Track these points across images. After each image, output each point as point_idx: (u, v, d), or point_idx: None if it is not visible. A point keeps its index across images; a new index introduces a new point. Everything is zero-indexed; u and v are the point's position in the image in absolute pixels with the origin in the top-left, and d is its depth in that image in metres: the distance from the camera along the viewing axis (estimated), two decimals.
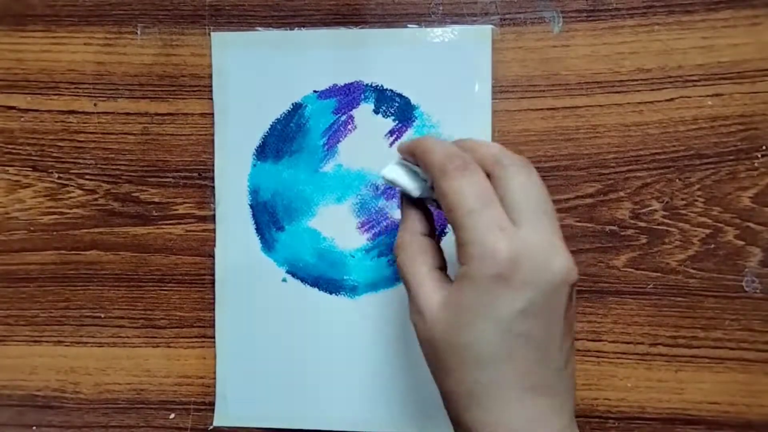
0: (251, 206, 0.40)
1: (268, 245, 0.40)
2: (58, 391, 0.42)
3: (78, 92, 0.41)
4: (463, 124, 0.39)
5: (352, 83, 0.40)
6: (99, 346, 0.42)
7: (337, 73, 0.40)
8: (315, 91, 0.40)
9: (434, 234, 0.30)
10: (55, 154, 0.41)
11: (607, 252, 0.39)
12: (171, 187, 0.41)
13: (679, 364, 0.39)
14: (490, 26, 0.39)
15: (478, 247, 0.25)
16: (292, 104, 0.40)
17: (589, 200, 0.39)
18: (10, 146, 0.42)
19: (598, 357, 0.39)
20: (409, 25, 0.39)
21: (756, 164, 0.38)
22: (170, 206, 0.41)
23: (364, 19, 0.40)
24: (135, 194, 0.41)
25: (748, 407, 0.38)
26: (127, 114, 0.41)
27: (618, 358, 0.39)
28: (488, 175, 0.27)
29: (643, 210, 0.39)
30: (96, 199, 0.41)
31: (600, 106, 0.39)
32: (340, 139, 0.40)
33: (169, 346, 0.41)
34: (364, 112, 0.40)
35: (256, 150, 0.40)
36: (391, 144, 0.40)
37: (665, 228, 0.38)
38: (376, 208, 0.40)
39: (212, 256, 0.41)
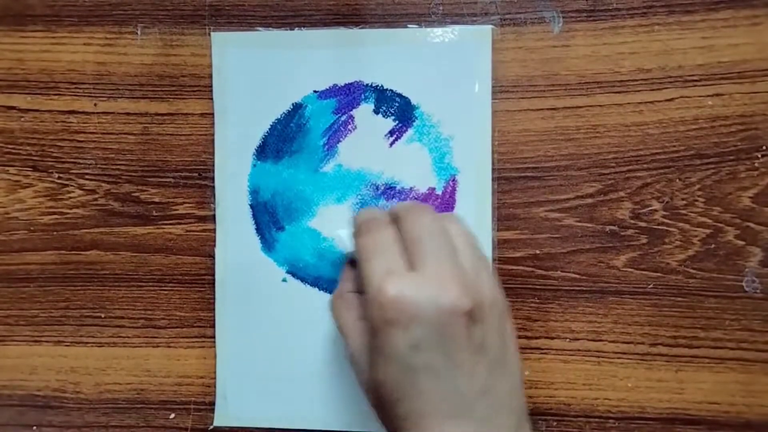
0: (251, 206, 0.40)
1: (268, 245, 0.40)
2: (58, 391, 0.42)
3: (78, 92, 0.41)
4: (463, 125, 0.39)
5: (352, 83, 0.40)
6: (99, 346, 0.42)
7: (337, 73, 0.40)
8: (315, 91, 0.40)
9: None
10: (55, 154, 0.41)
11: (608, 252, 0.39)
12: (171, 187, 0.41)
13: (679, 364, 0.39)
14: (490, 26, 0.39)
15: (369, 291, 0.28)
16: (293, 104, 0.40)
17: (589, 200, 0.39)
18: (10, 146, 0.42)
19: (598, 357, 0.39)
20: (409, 25, 0.39)
21: (756, 164, 0.38)
22: (170, 206, 0.41)
23: (364, 19, 0.40)
24: (135, 194, 0.41)
25: (748, 407, 0.38)
26: (128, 114, 0.41)
27: (618, 357, 0.39)
28: None
29: (644, 210, 0.39)
30: (96, 199, 0.41)
31: (600, 106, 0.39)
32: (341, 139, 0.40)
33: (170, 346, 0.41)
34: (364, 112, 0.40)
35: (257, 150, 0.40)
36: (391, 144, 0.40)
37: (665, 228, 0.39)
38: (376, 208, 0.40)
39: (212, 256, 0.41)
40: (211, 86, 0.40)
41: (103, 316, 0.41)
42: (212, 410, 0.41)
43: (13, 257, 0.42)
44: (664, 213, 0.38)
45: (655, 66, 0.38)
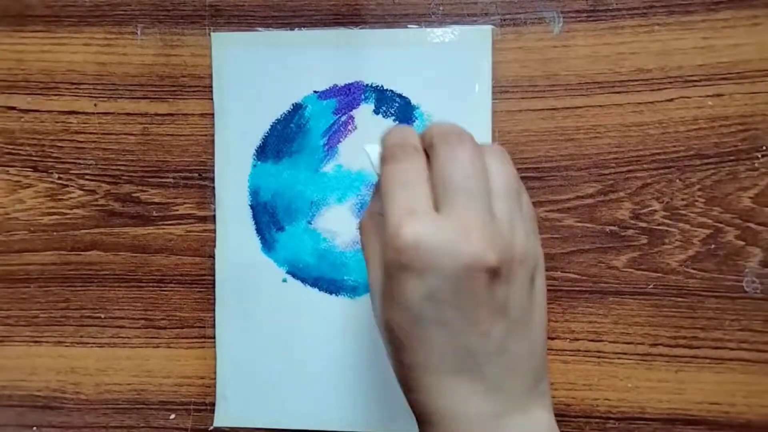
0: (251, 206, 0.40)
1: (268, 245, 0.40)
2: (58, 391, 0.42)
3: (78, 93, 0.41)
4: (463, 125, 0.39)
5: (352, 83, 0.40)
6: (99, 346, 0.42)
7: (337, 73, 0.40)
8: (315, 92, 0.40)
9: None
10: (55, 155, 0.41)
11: (608, 252, 0.39)
12: (171, 187, 0.41)
13: (679, 364, 0.39)
14: (491, 26, 0.39)
15: (387, 231, 0.25)
16: (293, 105, 0.40)
17: (589, 200, 0.39)
18: (10, 147, 0.42)
19: (598, 357, 0.39)
20: (409, 26, 0.39)
21: (756, 164, 0.38)
22: (170, 207, 0.41)
23: (364, 19, 0.40)
24: (135, 195, 0.41)
25: (748, 407, 0.38)
26: (128, 114, 0.41)
27: (618, 358, 0.39)
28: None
29: (644, 210, 0.39)
30: (96, 200, 0.41)
31: (600, 106, 0.39)
32: (341, 139, 0.40)
33: (170, 347, 0.41)
34: (364, 112, 0.40)
35: (257, 150, 0.40)
36: None
37: (665, 228, 0.39)
38: None
39: (212, 256, 0.41)
40: (211, 86, 0.40)
41: (103, 316, 0.41)
42: (212, 411, 0.41)
43: (14, 258, 0.42)
44: (664, 213, 0.38)
45: (655, 66, 0.38)
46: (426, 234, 0.24)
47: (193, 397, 0.41)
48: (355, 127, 0.40)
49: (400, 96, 0.39)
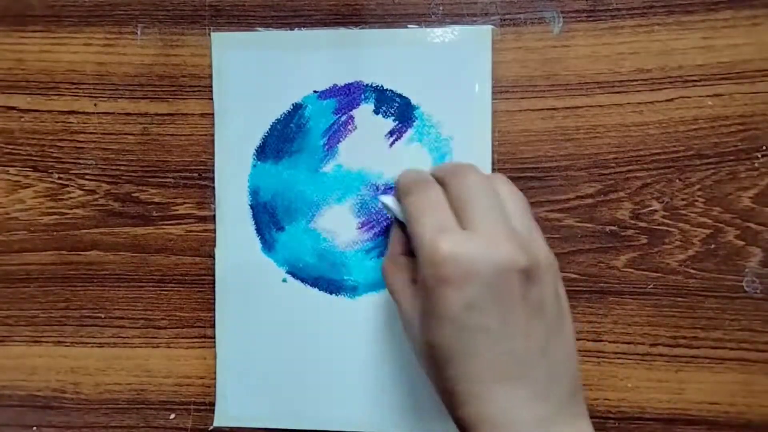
0: (251, 206, 0.40)
1: (268, 245, 0.40)
2: (58, 391, 0.42)
3: (78, 92, 0.41)
4: (463, 125, 0.39)
5: (352, 83, 0.40)
6: (99, 346, 0.42)
7: (337, 73, 0.40)
8: (315, 92, 0.40)
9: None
10: (55, 155, 0.41)
11: (608, 252, 0.39)
12: (171, 187, 0.41)
13: (679, 364, 0.39)
14: (490, 26, 0.39)
15: (421, 250, 0.27)
16: (292, 104, 0.40)
17: (589, 200, 0.39)
18: (10, 146, 0.42)
19: (598, 357, 0.39)
20: (409, 26, 0.39)
21: (756, 164, 0.38)
22: (170, 206, 0.41)
23: (364, 19, 0.40)
24: (135, 194, 0.41)
25: (748, 407, 0.38)
26: (127, 114, 0.41)
27: (618, 358, 0.39)
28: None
29: (644, 210, 0.39)
30: (96, 200, 0.41)
31: (600, 106, 0.39)
32: (341, 139, 0.40)
33: (170, 347, 0.41)
34: (364, 112, 0.40)
35: (257, 150, 0.40)
36: (391, 144, 0.40)
37: (665, 228, 0.39)
38: (377, 209, 0.40)
39: (212, 256, 0.41)
40: (211, 86, 0.40)
41: (103, 316, 0.41)
42: (212, 410, 0.41)
43: (13, 257, 0.42)
44: (664, 213, 0.38)
45: (655, 66, 0.38)
46: (461, 246, 0.26)
47: (193, 397, 0.41)
48: (355, 127, 0.40)
49: (400, 96, 0.39)
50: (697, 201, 0.38)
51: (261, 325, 0.40)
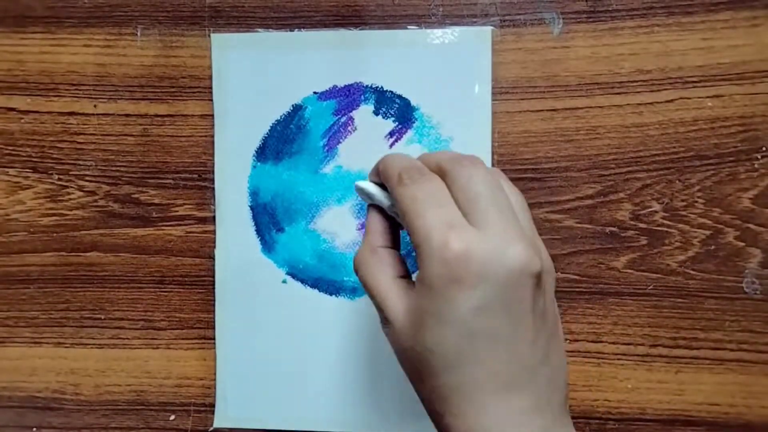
0: (251, 208, 0.40)
1: (268, 246, 0.40)
2: (58, 392, 0.42)
3: (78, 94, 0.41)
4: (463, 126, 0.39)
5: (352, 84, 0.40)
6: (99, 347, 0.42)
7: (337, 74, 0.40)
8: (315, 93, 0.40)
9: (397, 246, 0.30)
10: (55, 156, 0.41)
11: (607, 253, 0.39)
12: (171, 188, 0.41)
13: (679, 365, 0.39)
14: (490, 27, 0.39)
15: (427, 247, 0.24)
16: (292, 105, 0.40)
17: (589, 201, 0.39)
18: (10, 148, 0.42)
19: (598, 358, 0.39)
20: (408, 27, 0.39)
21: (756, 165, 0.38)
22: (170, 207, 0.41)
23: (363, 20, 0.40)
24: (135, 196, 0.41)
25: (748, 408, 0.38)
26: (127, 115, 0.41)
27: (618, 359, 0.39)
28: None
29: (643, 211, 0.39)
30: (96, 201, 0.41)
31: (600, 107, 0.39)
32: (340, 140, 0.40)
33: (169, 348, 0.41)
34: (364, 113, 0.40)
35: (256, 151, 0.40)
36: (391, 145, 0.40)
37: (665, 229, 0.38)
38: None
39: (212, 257, 0.41)
40: (210, 88, 0.40)
41: (103, 317, 0.41)
42: (212, 412, 0.41)
43: (13, 259, 0.42)
44: (664, 214, 0.38)
45: (655, 67, 0.38)
46: (474, 245, 0.24)
47: (193, 398, 0.41)
48: (355, 128, 0.40)
49: (399, 97, 0.39)
50: (696, 202, 0.38)
51: (261, 326, 0.40)
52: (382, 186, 0.29)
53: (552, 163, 0.39)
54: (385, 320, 0.27)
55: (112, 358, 0.41)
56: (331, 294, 0.40)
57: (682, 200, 0.38)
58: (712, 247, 0.38)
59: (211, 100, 0.40)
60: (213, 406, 0.41)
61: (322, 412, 0.40)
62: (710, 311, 0.38)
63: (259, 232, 0.40)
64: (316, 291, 0.40)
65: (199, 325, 0.41)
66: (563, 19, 0.39)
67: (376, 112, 0.40)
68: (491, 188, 0.25)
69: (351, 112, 0.40)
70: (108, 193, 0.41)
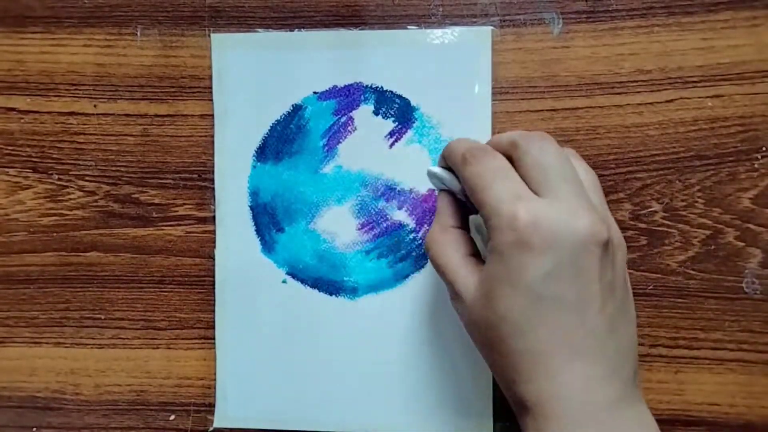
0: (251, 208, 0.40)
1: (268, 247, 0.40)
2: (58, 392, 0.42)
3: (78, 94, 0.41)
4: (463, 126, 0.39)
5: (352, 84, 0.40)
6: (99, 347, 0.42)
7: (336, 74, 0.40)
8: (315, 93, 0.40)
9: (466, 229, 0.31)
10: (55, 156, 0.41)
11: None
12: (171, 188, 0.41)
13: (679, 365, 0.39)
14: (490, 27, 0.39)
15: (497, 218, 0.25)
16: (292, 105, 0.40)
17: None
18: (9, 148, 0.42)
19: None
20: (408, 27, 0.39)
21: (756, 165, 0.38)
22: (170, 207, 0.41)
23: (363, 20, 0.40)
24: (135, 196, 0.41)
25: (748, 408, 0.38)
26: (127, 115, 0.41)
27: None
28: (510, 161, 0.28)
29: (643, 211, 0.39)
30: (96, 201, 0.41)
31: (600, 107, 0.39)
32: (340, 140, 0.40)
33: (169, 348, 0.41)
34: (364, 113, 0.40)
35: (256, 151, 0.40)
36: (391, 145, 0.40)
37: (665, 229, 0.39)
38: (377, 210, 0.40)
39: (212, 257, 0.41)
40: (210, 87, 0.40)
41: (103, 317, 0.41)
42: (212, 412, 0.41)
43: (13, 259, 0.42)
44: (664, 214, 0.38)
45: (655, 67, 0.38)
46: (542, 213, 0.25)
47: (193, 398, 0.41)
48: (355, 128, 0.40)
49: (399, 97, 0.39)
50: (696, 202, 0.38)
51: (261, 326, 0.40)
52: (452, 172, 0.31)
53: None
54: (456, 295, 0.28)
55: (112, 358, 0.41)
56: (331, 294, 0.40)
57: (682, 200, 0.38)
58: (712, 247, 0.38)
59: (211, 100, 0.40)
60: (213, 406, 0.41)
61: (323, 412, 0.40)
62: (710, 311, 0.38)
63: (259, 232, 0.40)
64: (316, 291, 0.40)
65: (199, 325, 0.41)
66: (563, 19, 0.39)
67: (376, 112, 0.40)
68: (561, 161, 0.27)
69: (351, 112, 0.40)
70: (108, 193, 0.41)
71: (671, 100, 0.38)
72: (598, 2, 0.38)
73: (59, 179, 0.41)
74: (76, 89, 0.41)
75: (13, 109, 0.41)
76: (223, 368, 0.41)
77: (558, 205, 0.25)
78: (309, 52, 0.40)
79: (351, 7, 0.40)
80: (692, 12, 0.38)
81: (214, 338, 0.41)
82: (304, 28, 0.40)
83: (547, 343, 0.25)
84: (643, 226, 0.39)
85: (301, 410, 0.40)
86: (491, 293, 0.26)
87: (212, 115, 0.40)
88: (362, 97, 0.40)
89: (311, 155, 0.40)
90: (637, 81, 0.38)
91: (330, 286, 0.40)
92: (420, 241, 0.39)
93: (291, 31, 0.40)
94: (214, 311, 0.41)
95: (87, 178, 0.41)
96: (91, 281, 0.41)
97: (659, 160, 0.38)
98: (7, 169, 0.42)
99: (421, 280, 0.39)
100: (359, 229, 0.40)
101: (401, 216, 0.40)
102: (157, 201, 0.41)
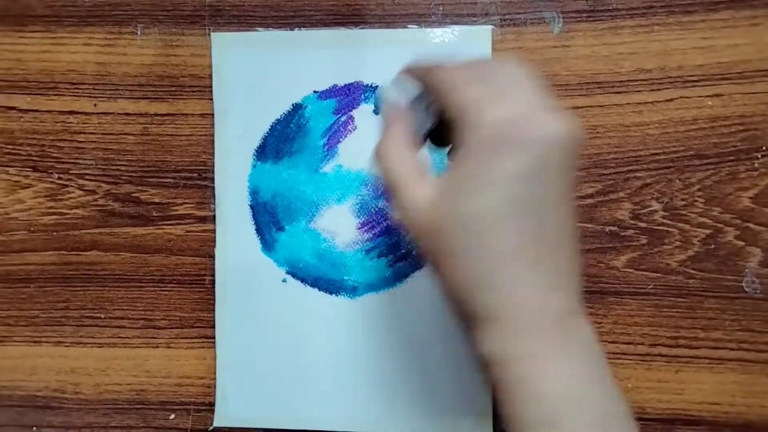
0: (251, 206, 0.40)
1: (268, 246, 0.40)
2: (58, 391, 0.42)
3: (78, 93, 0.41)
4: None
5: (352, 83, 0.40)
6: (99, 346, 0.42)
7: (337, 73, 0.40)
8: (315, 92, 0.40)
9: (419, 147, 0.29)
10: (55, 155, 0.41)
11: (607, 252, 0.39)
12: (171, 187, 0.41)
13: (679, 364, 0.39)
14: (490, 27, 0.39)
15: (470, 116, 0.25)
16: (292, 105, 0.40)
17: (589, 201, 0.39)
18: (10, 147, 0.42)
19: None
20: (409, 26, 0.39)
21: (756, 165, 0.38)
22: (170, 207, 0.41)
23: (364, 19, 0.40)
24: (135, 195, 0.41)
25: (748, 408, 0.38)
26: (127, 114, 0.41)
27: (618, 358, 0.39)
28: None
29: (643, 210, 0.39)
30: (96, 200, 0.41)
31: (600, 106, 0.39)
32: (340, 139, 0.40)
33: (169, 347, 0.41)
34: (364, 112, 0.40)
35: (256, 150, 0.40)
36: None
37: (665, 228, 0.39)
38: (376, 209, 0.40)
39: (212, 256, 0.41)
40: (211, 86, 0.40)
41: (102, 316, 0.41)
42: (212, 411, 0.41)
43: (13, 258, 0.42)
44: (664, 213, 0.38)
45: (655, 66, 0.38)
46: (518, 111, 0.24)
47: (193, 398, 0.41)
48: (355, 127, 0.40)
49: None
50: (696, 201, 0.38)
51: (261, 325, 0.40)
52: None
53: None
54: (409, 204, 0.26)
55: (112, 357, 0.41)
56: (331, 293, 0.40)
57: (682, 199, 0.38)
58: (712, 246, 0.38)
59: (211, 99, 0.40)
60: (213, 405, 0.41)
61: (322, 411, 0.40)
62: (710, 311, 0.38)
63: (259, 231, 0.40)
64: (316, 290, 0.40)
65: (199, 324, 0.41)
66: (563, 18, 0.39)
67: (376, 111, 0.40)
68: (530, 75, 0.26)
69: (351, 111, 0.40)
70: (108, 192, 0.41)
71: (671, 100, 0.38)
72: (599, 1, 0.38)
73: (59, 178, 0.41)
74: (76, 88, 0.41)
75: (13, 108, 0.41)
76: (223, 367, 0.41)
77: (532, 103, 0.24)
78: (309, 51, 0.40)
79: (351, 6, 0.40)
80: (692, 11, 0.38)
81: (214, 337, 0.41)
82: (304, 27, 0.40)
83: (511, 246, 0.24)
84: (643, 225, 0.39)
85: (301, 409, 0.40)
86: (459, 193, 0.25)
87: (212, 114, 0.40)
88: (362, 96, 0.40)
89: (311, 154, 0.40)
90: (637, 80, 0.38)
91: (330, 285, 0.40)
92: None
93: (291, 30, 0.40)
94: (214, 310, 0.41)
95: (87, 177, 0.41)
96: (91, 280, 0.41)
97: (659, 159, 0.38)
98: (7, 168, 0.42)
99: (421, 279, 0.39)
100: (359, 228, 0.40)
101: None
102: (157, 200, 0.41)
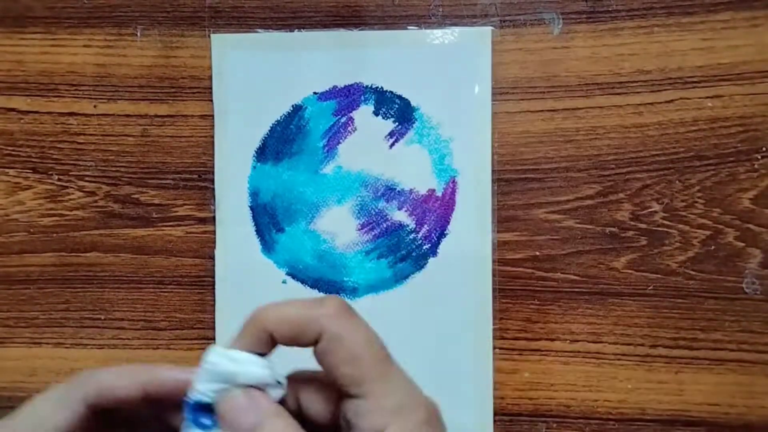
0: (251, 208, 0.40)
1: (268, 247, 0.40)
2: None
3: (78, 94, 0.41)
4: (463, 126, 0.39)
5: (352, 85, 0.40)
6: (99, 347, 0.42)
7: (337, 74, 0.40)
8: (315, 93, 0.40)
9: None
10: (55, 156, 0.41)
11: (608, 254, 0.39)
12: (171, 188, 0.41)
13: (679, 365, 0.39)
14: (490, 28, 0.39)
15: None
16: (292, 106, 0.40)
17: (589, 202, 0.39)
18: (10, 148, 0.42)
19: (598, 359, 0.39)
20: (408, 27, 0.39)
21: (756, 166, 0.38)
22: (170, 208, 0.41)
23: (363, 20, 0.40)
24: (135, 196, 0.41)
25: (748, 408, 0.38)
26: (127, 116, 0.41)
27: (618, 359, 0.39)
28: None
29: (643, 212, 0.39)
30: (96, 201, 0.41)
31: (600, 107, 0.39)
32: (340, 140, 0.40)
33: (169, 348, 0.41)
34: (364, 113, 0.40)
35: (256, 152, 0.40)
36: (391, 146, 0.40)
37: (665, 230, 0.39)
38: (376, 210, 0.40)
39: (212, 257, 0.41)
40: (211, 88, 0.40)
41: (102, 317, 0.41)
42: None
43: (13, 259, 0.42)
44: (664, 214, 0.38)
45: (655, 67, 0.38)
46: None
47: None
48: (355, 129, 0.40)
49: (399, 97, 0.39)
50: (696, 202, 0.38)
51: None
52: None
53: (552, 163, 0.39)
54: None
55: (112, 358, 0.41)
56: (330, 294, 0.40)
57: (682, 200, 0.38)
58: (712, 247, 0.38)
59: (211, 100, 0.40)
60: None
61: None
62: (710, 311, 0.38)
63: (259, 232, 0.40)
64: (316, 291, 0.40)
65: (199, 325, 0.41)
66: (563, 19, 0.39)
67: (376, 113, 0.40)
68: (375, 339, 0.23)
69: (351, 112, 0.40)
70: (108, 194, 0.41)
71: (671, 101, 0.38)
72: (598, 2, 0.38)
73: (59, 180, 0.41)
74: (76, 90, 0.41)
75: (13, 110, 0.41)
76: None
77: (393, 397, 0.23)
78: (309, 53, 0.40)
79: (351, 7, 0.40)
80: (692, 12, 0.38)
81: (214, 338, 0.41)
82: (304, 28, 0.40)
83: None
84: (643, 226, 0.39)
85: None
86: None
87: (212, 116, 0.40)
88: (362, 97, 0.40)
89: (311, 155, 0.40)
90: (637, 81, 0.38)
91: (330, 286, 0.40)
92: (420, 242, 0.39)
93: (291, 31, 0.40)
94: (214, 312, 0.41)
95: (87, 178, 0.41)
96: (91, 281, 0.41)
97: (659, 160, 0.38)
98: (7, 170, 0.42)
99: (421, 280, 0.39)
100: (359, 230, 0.40)
101: (401, 216, 0.40)
102: (157, 201, 0.41)
